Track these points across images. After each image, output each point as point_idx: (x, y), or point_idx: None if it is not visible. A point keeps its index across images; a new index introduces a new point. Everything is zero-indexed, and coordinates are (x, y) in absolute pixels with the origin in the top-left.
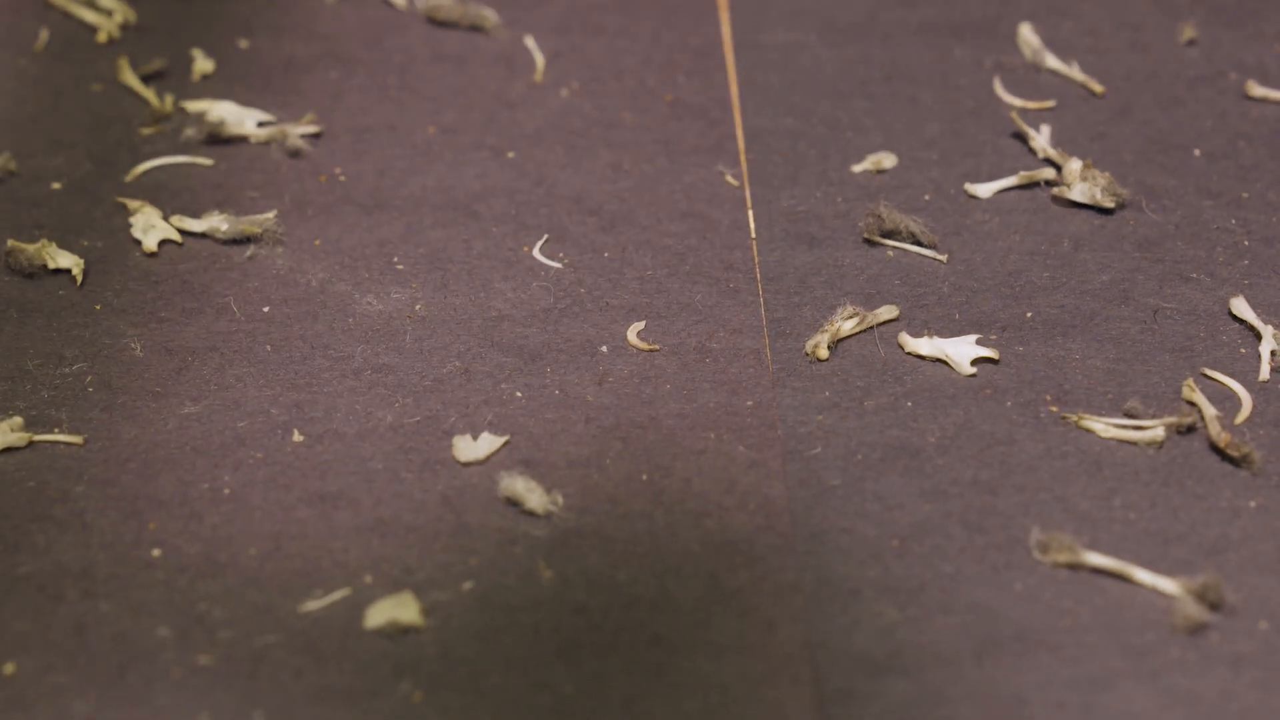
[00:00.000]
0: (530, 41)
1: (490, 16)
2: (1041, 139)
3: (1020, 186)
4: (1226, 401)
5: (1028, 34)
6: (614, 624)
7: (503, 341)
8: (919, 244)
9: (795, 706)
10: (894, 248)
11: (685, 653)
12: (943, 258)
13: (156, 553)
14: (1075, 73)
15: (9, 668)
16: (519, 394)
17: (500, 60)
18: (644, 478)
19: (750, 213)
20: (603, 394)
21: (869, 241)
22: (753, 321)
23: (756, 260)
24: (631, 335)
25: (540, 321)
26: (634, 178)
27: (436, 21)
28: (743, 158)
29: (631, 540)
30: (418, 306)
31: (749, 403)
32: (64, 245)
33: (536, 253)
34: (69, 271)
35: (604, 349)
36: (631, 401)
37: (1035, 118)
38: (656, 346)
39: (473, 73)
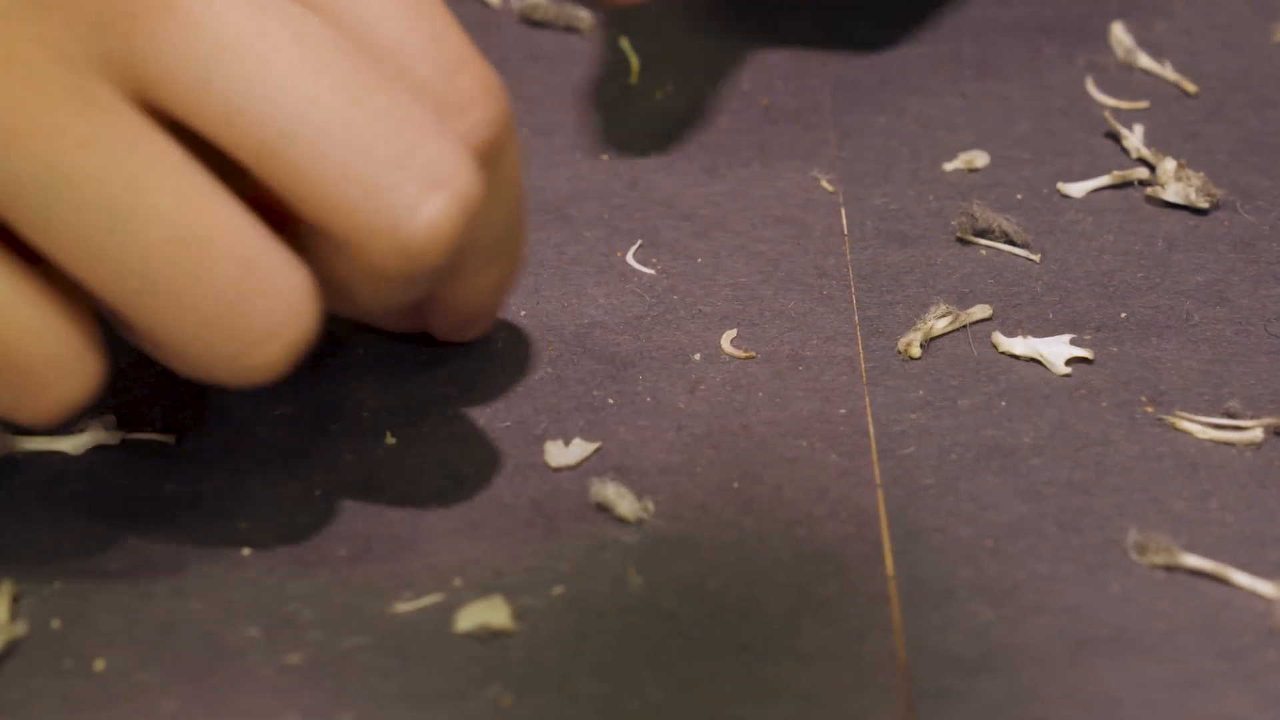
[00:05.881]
0: (625, 43)
1: (585, 17)
2: (1135, 139)
3: (1113, 186)
4: None
5: (1120, 33)
6: (703, 631)
7: (594, 348)
8: (1012, 243)
9: (882, 717)
10: (987, 247)
11: (773, 661)
12: (1036, 257)
13: (246, 552)
14: (1168, 72)
15: (98, 664)
16: (610, 400)
17: (595, 61)
18: (735, 485)
19: (843, 211)
20: (694, 401)
21: (962, 240)
22: (846, 329)
23: (850, 266)
24: (725, 343)
25: (633, 329)
26: (728, 182)
27: (531, 21)
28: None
29: (721, 548)
30: (510, 311)
31: (842, 410)
32: None
33: (630, 258)
34: None
35: (696, 356)
36: (723, 409)
37: (1128, 117)
38: (753, 354)
39: (567, 73)
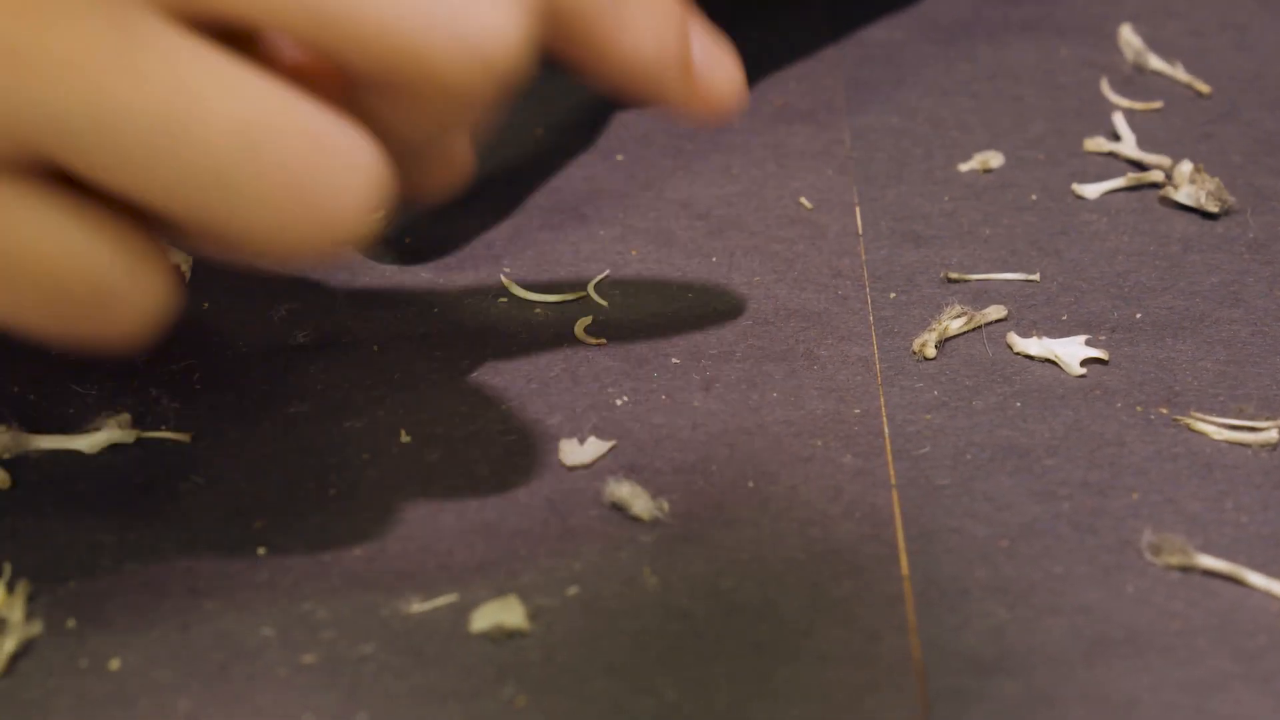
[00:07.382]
0: None
1: None
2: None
3: (1128, 188)
4: None
5: (1129, 35)
6: (717, 631)
7: (609, 346)
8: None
9: (897, 717)
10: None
11: (788, 661)
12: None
13: (261, 551)
14: (1180, 73)
15: (113, 663)
16: (625, 399)
17: None
18: (750, 485)
19: (857, 210)
20: (709, 400)
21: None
22: (861, 329)
23: (865, 266)
24: (735, 341)
25: (647, 327)
26: (742, 182)
27: None
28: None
29: (736, 547)
30: (525, 309)
31: (857, 410)
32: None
33: (643, 259)
34: (178, 268)
35: (712, 354)
36: (738, 408)
37: (1142, 118)
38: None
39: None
